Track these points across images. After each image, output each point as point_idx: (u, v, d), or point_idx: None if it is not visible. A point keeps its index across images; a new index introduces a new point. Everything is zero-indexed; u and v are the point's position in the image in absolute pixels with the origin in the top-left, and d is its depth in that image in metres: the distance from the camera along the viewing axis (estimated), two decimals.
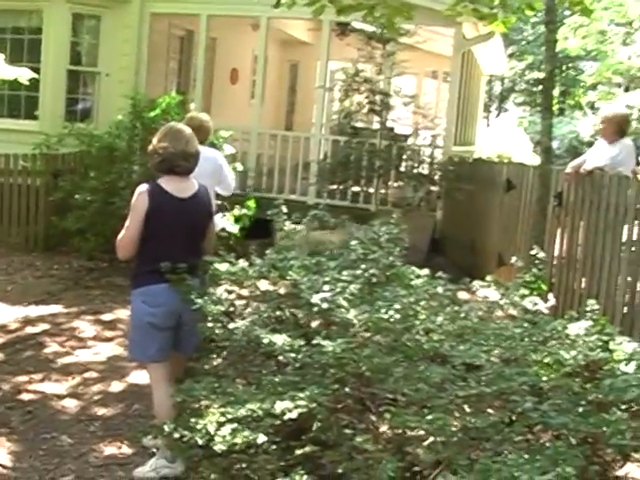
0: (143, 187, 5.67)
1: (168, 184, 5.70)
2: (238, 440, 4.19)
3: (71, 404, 7.09)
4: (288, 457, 4.40)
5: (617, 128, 9.31)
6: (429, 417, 3.73)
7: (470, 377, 4.12)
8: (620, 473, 5.16)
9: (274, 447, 4.54)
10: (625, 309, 8.17)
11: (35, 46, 15.81)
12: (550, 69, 7.12)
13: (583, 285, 9.04)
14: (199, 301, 5.30)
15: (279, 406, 4.22)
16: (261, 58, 15.68)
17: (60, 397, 7.24)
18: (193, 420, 4.44)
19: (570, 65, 44.16)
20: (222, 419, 4.33)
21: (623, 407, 3.92)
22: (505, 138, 26.69)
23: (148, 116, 12.32)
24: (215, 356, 5.91)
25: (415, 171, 13.81)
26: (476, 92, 21.10)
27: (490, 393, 3.94)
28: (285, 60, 22.23)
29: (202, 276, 5.82)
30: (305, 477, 4.22)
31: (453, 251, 13.52)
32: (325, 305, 4.76)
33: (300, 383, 4.49)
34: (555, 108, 43.97)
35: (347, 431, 4.24)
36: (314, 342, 4.50)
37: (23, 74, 11.59)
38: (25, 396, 7.20)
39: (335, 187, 13.95)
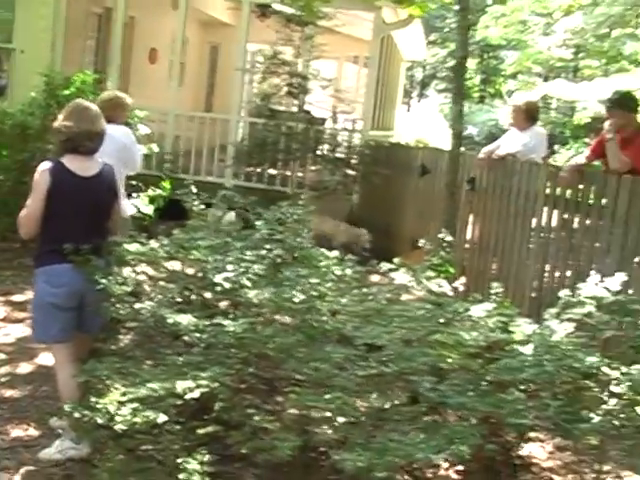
0: (45, 165, 5.55)
1: (71, 162, 5.58)
2: (138, 420, 4.15)
3: None
4: (191, 437, 4.37)
5: (527, 116, 9.44)
6: (327, 397, 3.73)
7: (371, 357, 4.13)
8: (523, 453, 5.27)
9: (179, 427, 4.52)
10: (534, 293, 8.29)
11: None
12: (461, 55, 7.17)
13: (494, 269, 9.16)
14: (103, 281, 5.22)
15: (180, 386, 4.18)
16: (179, 38, 15.51)
17: None
18: (94, 400, 4.38)
19: (491, 54, 44.68)
20: (123, 399, 4.28)
21: (522, 387, 3.98)
22: (424, 124, 26.86)
23: (63, 94, 12.11)
24: (122, 337, 5.84)
25: (332, 155, 13.80)
26: (396, 77, 21.20)
27: (390, 373, 3.96)
28: (206, 41, 22.07)
29: (107, 257, 5.73)
30: (207, 457, 4.22)
31: (371, 234, 13.56)
32: (228, 285, 4.74)
33: (204, 363, 4.46)
34: (476, 96, 44.51)
35: (250, 411, 4.21)
36: (216, 322, 4.47)
37: None
38: None
39: (252, 169, 13.88)
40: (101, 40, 17.61)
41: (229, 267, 4.94)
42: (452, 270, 6.51)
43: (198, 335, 4.67)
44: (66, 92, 12.04)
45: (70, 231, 5.46)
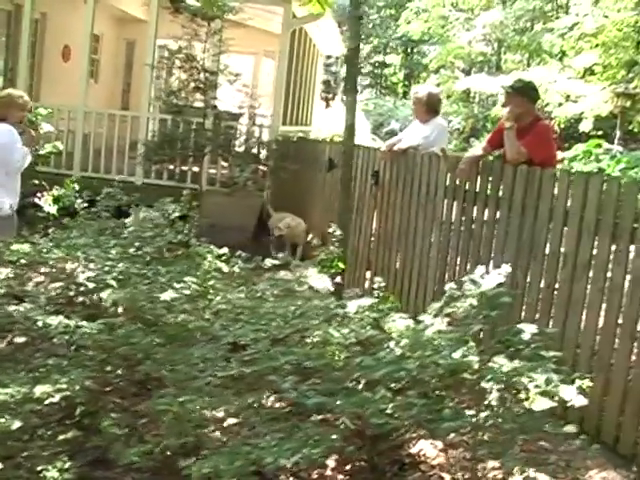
0: None
1: None
2: None
3: None
4: (52, 443, 4.18)
5: (428, 108, 9.34)
6: (180, 400, 3.58)
7: (234, 357, 3.99)
8: (413, 451, 5.16)
9: (50, 433, 4.34)
10: (436, 286, 8.21)
11: None
12: (353, 46, 7.04)
13: (398, 263, 9.07)
14: None
15: (39, 390, 3.99)
16: (87, 34, 15.19)
17: None
18: None
19: (416, 49, 44.90)
20: None
21: (392, 385, 3.85)
22: (340, 119, 26.80)
23: None
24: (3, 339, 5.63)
25: (242, 150, 13.65)
26: (312, 72, 21.04)
27: (250, 373, 3.82)
28: (121, 38, 21.76)
29: None
30: (68, 464, 4.04)
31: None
32: (91, 285, 4.57)
33: (68, 366, 4.27)
34: (400, 91, 44.68)
35: (114, 415, 4.04)
36: (77, 323, 4.29)
37: None
38: None
39: (162, 167, 13.66)
40: (11, 37, 17.21)
41: (91, 266, 4.76)
42: (342, 265, 6.40)
43: (67, 337, 4.48)
44: None
45: None
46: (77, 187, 12.16)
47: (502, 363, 3.60)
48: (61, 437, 4.07)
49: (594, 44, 23.75)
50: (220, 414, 3.76)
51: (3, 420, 3.99)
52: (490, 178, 7.59)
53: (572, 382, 3.88)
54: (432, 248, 8.39)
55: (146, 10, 18.50)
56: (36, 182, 11.69)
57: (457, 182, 8.00)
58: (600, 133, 26.65)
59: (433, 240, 8.39)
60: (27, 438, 4.39)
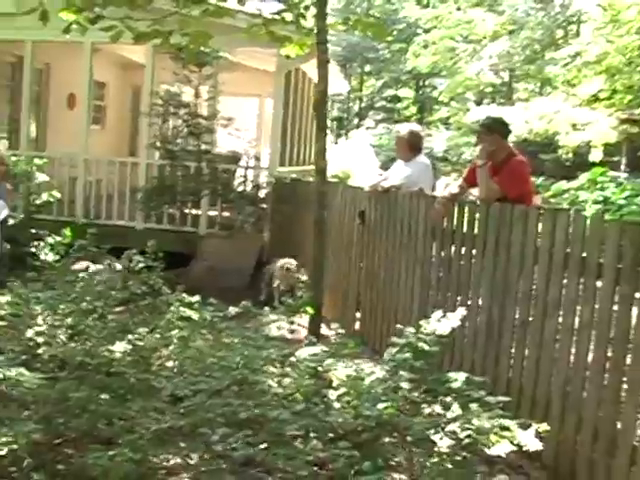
0: None
1: None
2: None
3: None
4: None
5: (410, 146, 9.37)
6: (110, 453, 3.62)
7: (169, 409, 4.02)
8: None
9: None
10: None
11: None
12: (321, 89, 7.10)
13: (383, 303, 9.09)
14: None
15: None
16: (86, 83, 15.41)
17: None
18: None
19: (427, 82, 45.01)
20: None
21: (331, 435, 3.85)
22: (352, 156, 26.83)
23: None
24: None
25: (240, 193, 13.72)
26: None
27: (182, 426, 3.85)
28: (127, 84, 21.90)
29: None
30: None
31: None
32: (41, 339, 4.63)
33: (15, 418, 4.32)
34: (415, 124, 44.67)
35: (60, 467, 4.06)
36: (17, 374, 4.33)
37: None
38: None
39: (162, 211, 13.75)
40: (15, 88, 17.41)
41: (40, 320, 4.83)
42: (311, 310, 6.42)
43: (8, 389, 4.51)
44: None
45: None
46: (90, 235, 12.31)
47: (451, 411, 3.61)
48: None
49: (598, 71, 23.69)
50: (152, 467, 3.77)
51: None
52: (465, 216, 7.61)
53: (527, 427, 3.88)
54: (414, 287, 8.40)
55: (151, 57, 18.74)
56: (33, 231, 11.82)
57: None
58: (613, 159, 26.59)
59: (415, 279, 8.40)
60: None
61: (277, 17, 8.33)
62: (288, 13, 8.50)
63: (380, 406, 3.59)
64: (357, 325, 9.88)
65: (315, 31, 7.47)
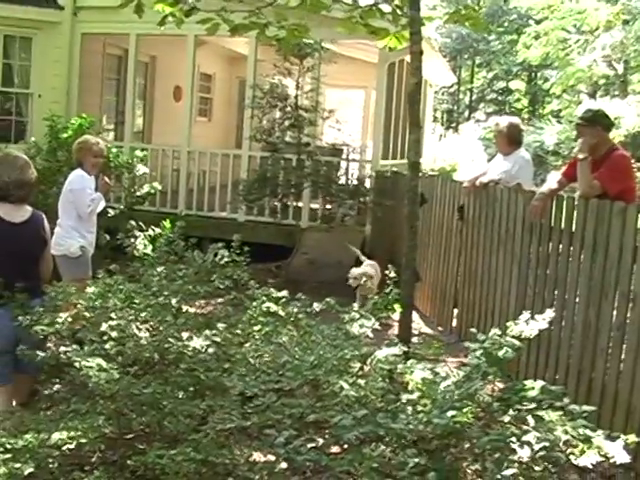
0: None
1: (2, 210, 5.60)
2: (3, 471, 4.00)
3: None
4: None
5: (509, 140, 9.12)
6: (172, 452, 3.55)
7: (237, 409, 3.94)
8: None
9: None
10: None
11: None
12: (414, 82, 6.93)
13: (480, 300, 8.90)
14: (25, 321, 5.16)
15: (55, 437, 4.02)
16: (189, 75, 15.52)
17: None
18: None
19: (537, 74, 44.24)
20: None
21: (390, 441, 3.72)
22: (460, 149, 26.48)
23: (63, 137, 12.20)
24: (58, 380, 5.70)
25: (342, 186, 13.60)
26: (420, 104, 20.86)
27: (249, 426, 3.77)
28: (234, 76, 22.03)
29: (42, 298, 5.69)
30: None
31: (381, 266, 13.31)
32: (114, 333, 4.61)
33: (89, 412, 4.31)
34: (525, 117, 44.00)
35: (129, 462, 4.02)
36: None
37: None
38: None
39: (263, 204, 13.73)
40: (122, 81, 17.68)
41: (115, 314, 4.82)
42: (397, 308, 6.26)
43: (95, 381, 4.49)
44: (64, 135, 12.11)
45: (3, 278, 5.38)
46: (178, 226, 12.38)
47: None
48: None
49: None
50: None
51: (18, 465, 4.03)
52: (563, 213, 7.35)
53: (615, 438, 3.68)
54: (511, 284, 8.19)
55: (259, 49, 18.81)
56: (133, 222, 11.91)
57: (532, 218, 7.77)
58: None
59: (512, 276, 8.18)
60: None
61: (373, 9, 8.18)
62: (385, 5, 8.35)
63: (450, 413, 3.44)
64: (454, 322, 9.72)
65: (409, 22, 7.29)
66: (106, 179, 8.63)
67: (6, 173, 5.69)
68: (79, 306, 5.31)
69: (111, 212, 12.01)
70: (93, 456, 4.38)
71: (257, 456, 3.93)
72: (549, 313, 4.77)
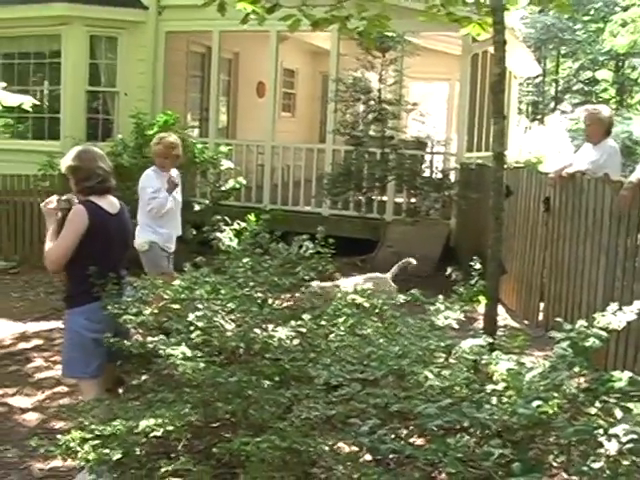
0: (80, 207, 5.65)
1: (101, 201, 5.72)
2: (93, 456, 4.09)
3: (32, 417, 7.16)
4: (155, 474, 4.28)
5: (606, 129, 8.99)
6: (257, 440, 3.58)
7: (322, 398, 3.96)
8: None
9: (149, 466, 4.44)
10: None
11: (56, 69, 16.04)
12: (499, 71, 6.85)
13: (567, 293, 8.78)
14: (129, 316, 5.28)
15: (143, 424, 4.10)
16: (272, 71, 15.60)
17: (24, 410, 7.31)
18: (59, 436, 4.35)
19: (625, 63, 43.40)
20: (89, 435, 4.22)
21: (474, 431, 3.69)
22: (546, 141, 26.07)
23: (148, 134, 12.37)
24: (144, 370, 5.80)
25: (427, 179, 13.54)
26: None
27: (333, 415, 3.78)
28: (317, 71, 22.06)
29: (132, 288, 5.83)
30: None
31: (467, 259, 13.22)
32: (201, 323, 4.67)
33: (176, 401, 4.38)
34: (613, 107, 43.24)
35: (214, 450, 4.06)
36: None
37: (25, 100, 11.67)
38: None
39: (347, 198, 13.75)
40: (205, 78, 17.86)
41: (200, 305, 4.88)
42: (482, 299, 6.22)
43: (183, 370, 4.55)
44: (150, 132, 12.28)
45: (104, 268, 5.50)
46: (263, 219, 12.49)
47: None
48: (162, 469, 4.13)
49: None
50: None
51: (107, 451, 4.11)
52: None
53: None
54: (599, 277, 8.06)
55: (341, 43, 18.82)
56: (219, 217, 12.04)
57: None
58: None
59: (600, 268, 8.06)
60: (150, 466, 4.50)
61: None
62: None
63: (536, 403, 3.40)
64: (540, 316, 9.61)
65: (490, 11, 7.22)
66: (172, 176, 8.71)
67: (104, 163, 5.79)
68: (166, 297, 5.39)
69: (197, 207, 12.18)
70: (179, 444, 4.44)
71: (340, 446, 3.95)
72: (638, 305, 4.69)
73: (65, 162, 5.82)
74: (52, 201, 5.74)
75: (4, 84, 10.64)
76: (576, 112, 42.54)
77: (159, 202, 8.49)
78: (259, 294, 5.16)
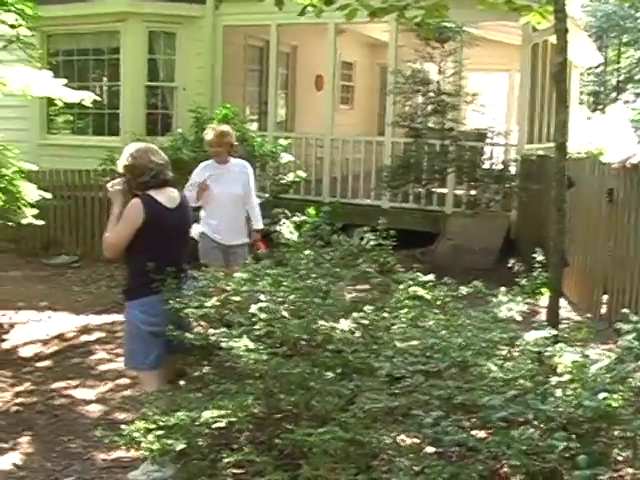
0: (137, 200, 5.73)
1: (159, 196, 5.78)
2: (156, 446, 4.12)
3: (96, 409, 7.30)
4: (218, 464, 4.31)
5: None
6: (320, 430, 3.58)
7: (385, 389, 3.94)
8: None
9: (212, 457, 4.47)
10: None
11: (115, 65, 16.19)
12: (561, 60, 6.75)
13: (632, 286, 8.64)
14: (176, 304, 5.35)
15: (206, 415, 4.13)
16: (330, 64, 15.58)
17: (87, 402, 7.46)
18: (123, 427, 4.40)
19: None
20: (152, 426, 4.26)
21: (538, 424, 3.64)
22: (608, 132, 25.67)
23: None
24: (206, 362, 5.84)
25: (487, 171, 13.40)
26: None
27: (397, 406, 3.76)
28: (375, 63, 21.97)
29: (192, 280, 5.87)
30: None
31: (528, 252, 13.09)
32: (263, 315, 4.67)
33: (239, 392, 4.40)
34: None
35: (277, 441, 4.07)
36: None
37: (85, 97, 11.77)
38: (57, 401, 7.49)
39: (407, 190, 13.69)
40: (264, 72, 17.90)
41: (262, 297, 4.89)
42: (544, 292, 6.14)
43: (245, 362, 4.57)
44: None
45: (162, 262, 5.57)
46: (323, 213, 12.56)
47: None
48: (225, 460, 4.15)
49: None
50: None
51: (170, 441, 4.14)
52: None
53: None
54: None
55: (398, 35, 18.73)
56: (279, 210, 12.08)
57: None
58: None
59: None
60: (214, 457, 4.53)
61: None
62: None
63: (602, 396, 3.35)
64: (603, 309, 9.48)
65: None
66: (206, 180, 8.79)
67: (158, 158, 5.84)
68: (227, 289, 5.42)
69: (258, 200, 12.21)
70: (241, 436, 4.48)
71: (402, 439, 3.92)
72: None
73: (121, 162, 5.91)
74: (118, 182, 5.83)
75: (64, 81, 10.69)
76: (639, 102, 41.95)
77: (189, 196, 8.60)
78: (322, 285, 5.16)
